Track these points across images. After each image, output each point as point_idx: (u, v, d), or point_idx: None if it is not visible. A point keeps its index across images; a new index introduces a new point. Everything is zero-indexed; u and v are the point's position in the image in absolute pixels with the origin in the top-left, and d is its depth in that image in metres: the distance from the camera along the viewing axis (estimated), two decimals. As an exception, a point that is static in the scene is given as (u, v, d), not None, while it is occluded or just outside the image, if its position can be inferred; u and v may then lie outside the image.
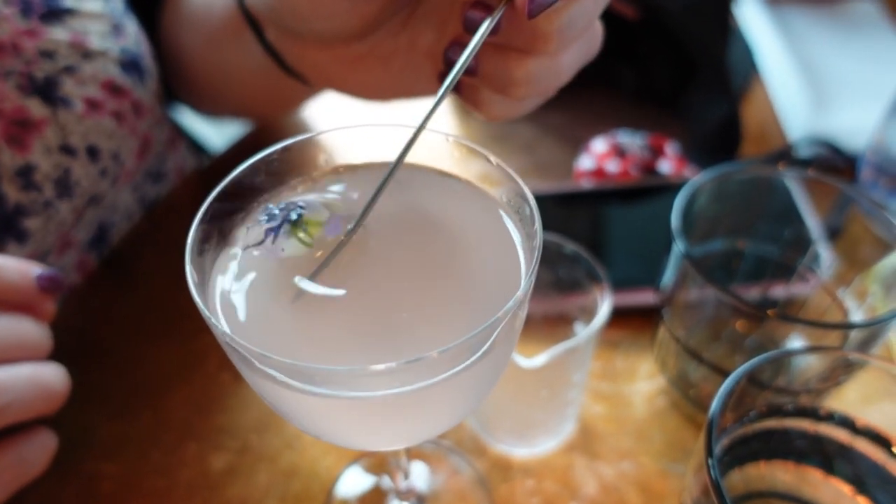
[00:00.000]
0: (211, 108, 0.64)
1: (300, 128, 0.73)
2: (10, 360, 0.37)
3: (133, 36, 0.52)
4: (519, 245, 0.27)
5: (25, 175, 0.46)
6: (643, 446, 0.44)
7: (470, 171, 0.29)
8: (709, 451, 0.29)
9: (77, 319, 0.53)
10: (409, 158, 0.28)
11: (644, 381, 0.48)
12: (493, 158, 0.28)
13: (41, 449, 0.39)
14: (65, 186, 0.48)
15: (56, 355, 0.40)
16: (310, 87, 0.48)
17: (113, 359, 0.51)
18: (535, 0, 0.28)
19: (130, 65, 0.51)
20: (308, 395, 0.22)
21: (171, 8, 0.56)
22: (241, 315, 0.25)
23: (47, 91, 0.46)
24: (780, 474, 0.36)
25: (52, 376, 0.38)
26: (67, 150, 0.47)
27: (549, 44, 0.31)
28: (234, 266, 0.26)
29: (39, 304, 0.40)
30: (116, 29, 0.50)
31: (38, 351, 0.39)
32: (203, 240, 0.25)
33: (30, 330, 0.38)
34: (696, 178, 0.43)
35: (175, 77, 0.59)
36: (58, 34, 0.46)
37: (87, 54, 0.48)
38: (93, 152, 0.49)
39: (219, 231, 0.27)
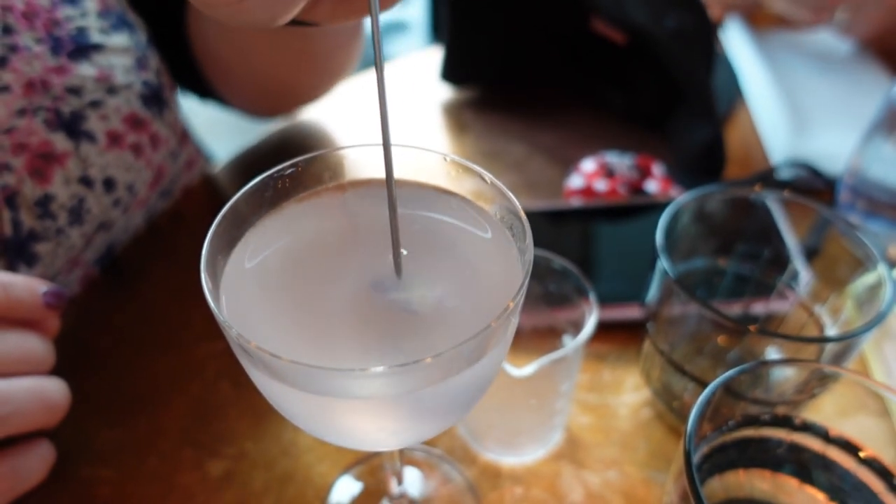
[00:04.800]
0: (248, 100, 0.67)
1: (306, 144, 0.74)
2: (13, 373, 0.38)
3: (155, 68, 0.54)
4: (511, 259, 0.29)
5: (44, 205, 0.47)
6: (628, 456, 0.45)
7: (465, 188, 0.31)
8: (687, 458, 0.30)
9: (77, 328, 0.54)
10: (408, 177, 0.30)
11: (630, 392, 0.49)
12: (487, 177, 0.29)
13: (39, 460, 0.39)
14: (77, 214, 0.49)
15: (56, 363, 0.41)
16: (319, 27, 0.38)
17: (111, 367, 0.52)
18: None
19: (151, 98, 0.53)
20: (311, 394, 0.24)
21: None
22: (249, 318, 0.26)
23: (72, 126, 0.47)
24: (757, 482, 0.37)
25: (53, 390, 0.39)
26: (86, 181, 0.49)
27: None
28: (240, 273, 0.28)
29: (45, 320, 0.41)
30: (140, 62, 0.52)
31: (41, 365, 0.40)
32: (215, 251, 0.27)
33: (34, 345, 0.39)
34: (680, 199, 0.45)
35: (217, 75, 0.61)
36: (85, 70, 0.48)
37: (111, 89, 0.49)
38: (109, 184, 0.50)
39: (228, 241, 0.28)
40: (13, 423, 0.37)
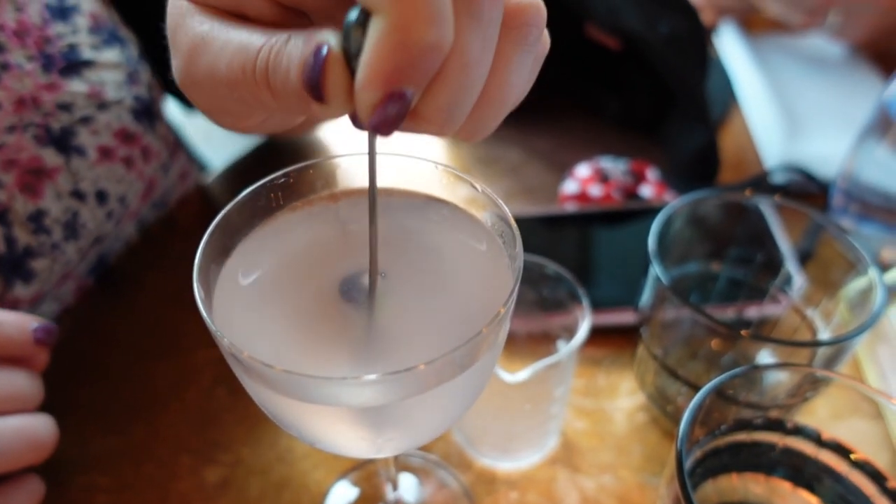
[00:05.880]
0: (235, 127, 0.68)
1: (298, 153, 0.75)
2: (1, 412, 0.38)
3: (146, 82, 0.55)
4: (502, 265, 0.29)
5: (37, 220, 0.47)
6: (623, 460, 0.46)
7: (457, 196, 0.31)
8: (679, 462, 0.31)
9: (73, 337, 0.54)
10: (401, 185, 0.30)
11: (624, 397, 0.49)
12: (478, 185, 0.30)
13: (27, 496, 0.39)
14: (72, 229, 0.49)
15: (52, 372, 0.42)
16: None
17: (108, 375, 0.52)
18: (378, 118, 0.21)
19: (143, 112, 0.53)
20: (304, 402, 0.24)
21: None
22: (242, 328, 0.26)
23: (62, 141, 0.48)
24: (751, 486, 0.38)
25: (40, 428, 0.39)
26: (78, 195, 0.49)
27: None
28: (233, 283, 0.28)
29: (34, 356, 0.41)
30: (131, 77, 0.52)
31: (28, 403, 0.40)
32: (208, 260, 0.27)
33: (23, 383, 0.39)
34: (674, 203, 0.45)
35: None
36: (76, 86, 0.48)
37: (102, 105, 0.50)
38: (101, 196, 0.51)
39: (221, 251, 0.28)
40: (1, 463, 0.37)
